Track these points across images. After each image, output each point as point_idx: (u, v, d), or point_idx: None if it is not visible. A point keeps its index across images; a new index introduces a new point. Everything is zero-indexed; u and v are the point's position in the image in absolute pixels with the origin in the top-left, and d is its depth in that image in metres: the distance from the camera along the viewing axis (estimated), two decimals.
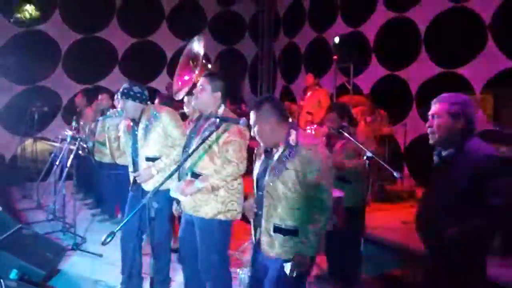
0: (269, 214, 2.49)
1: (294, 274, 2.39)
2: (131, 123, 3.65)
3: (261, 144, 2.62)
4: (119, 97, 3.59)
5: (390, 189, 6.42)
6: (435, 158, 2.56)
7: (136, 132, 3.58)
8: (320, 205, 2.40)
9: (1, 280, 3.00)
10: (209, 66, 4.28)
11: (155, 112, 3.55)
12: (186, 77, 4.06)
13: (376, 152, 3.79)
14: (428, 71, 7.03)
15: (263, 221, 2.53)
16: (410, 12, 7.31)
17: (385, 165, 3.31)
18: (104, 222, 5.57)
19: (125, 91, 3.50)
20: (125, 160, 3.99)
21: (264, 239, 2.53)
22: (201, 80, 3.07)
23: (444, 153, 2.42)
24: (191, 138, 3.12)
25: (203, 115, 3.14)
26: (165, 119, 3.51)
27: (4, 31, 7.90)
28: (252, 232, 2.67)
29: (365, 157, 3.31)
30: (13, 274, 3.47)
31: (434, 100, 2.43)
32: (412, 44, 7.23)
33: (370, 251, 4.37)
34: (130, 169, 3.70)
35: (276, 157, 2.51)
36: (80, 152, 5.42)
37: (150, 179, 3.50)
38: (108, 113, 4.09)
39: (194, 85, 3.31)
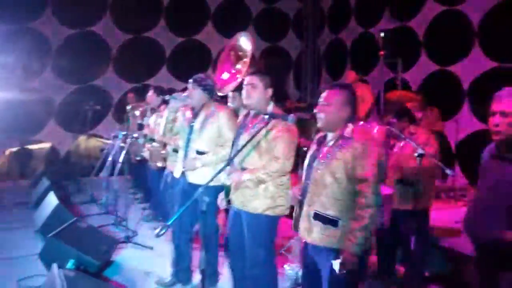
0: (312, 200, 2.49)
1: (343, 272, 2.36)
2: (190, 115, 3.76)
3: (319, 124, 2.57)
4: (190, 83, 3.70)
5: (441, 187, 6.24)
6: (486, 155, 2.45)
7: (193, 124, 3.68)
8: (365, 200, 2.36)
9: (60, 269, 3.14)
10: (256, 62, 4.30)
11: (214, 109, 3.63)
12: (226, 75, 4.10)
13: (438, 151, 3.65)
14: (481, 66, 6.76)
15: (305, 207, 2.53)
16: (462, 5, 7.05)
17: (437, 162, 3.21)
18: (152, 220, 5.71)
19: (199, 79, 3.65)
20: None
21: (303, 225, 2.54)
22: (251, 78, 3.07)
23: (505, 152, 2.30)
24: (240, 134, 3.16)
25: (252, 112, 3.16)
26: (223, 119, 3.59)
27: (58, 33, 8.25)
28: (293, 220, 2.67)
29: (416, 155, 3.21)
30: (70, 264, 3.65)
31: (500, 94, 2.29)
32: (464, 38, 6.98)
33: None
34: (180, 158, 3.79)
35: (327, 146, 2.51)
36: (138, 158, 5.67)
37: (196, 172, 3.59)
38: (174, 95, 4.23)
39: (241, 82, 3.34)
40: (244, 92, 3.09)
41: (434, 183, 3.94)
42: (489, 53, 6.68)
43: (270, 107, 3.07)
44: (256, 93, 3.04)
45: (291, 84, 10.75)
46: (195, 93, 3.65)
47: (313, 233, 2.48)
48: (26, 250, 4.43)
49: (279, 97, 9.30)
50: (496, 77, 6.53)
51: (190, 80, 3.69)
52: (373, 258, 4.03)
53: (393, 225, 3.71)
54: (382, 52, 7.42)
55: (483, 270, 2.46)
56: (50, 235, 3.90)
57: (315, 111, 2.57)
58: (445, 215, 5.33)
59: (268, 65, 9.38)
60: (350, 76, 7.48)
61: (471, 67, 6.95)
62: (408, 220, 3.64)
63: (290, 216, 3.33)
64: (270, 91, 3.07)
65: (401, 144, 3.75)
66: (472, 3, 6.91)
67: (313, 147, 2.67)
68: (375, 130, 3.84)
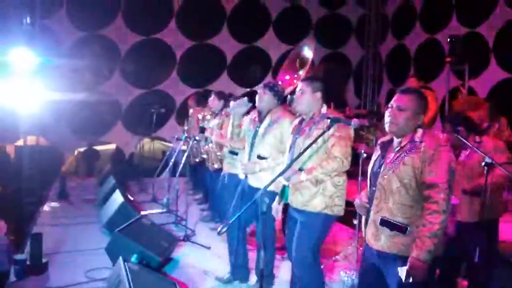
0: (379, 207, 2.44)
1: (410, 280, 2.27)
2: (256, 118, 3.87)
3: (386, 128, 2.50)
4: (261, 86, 3.83)
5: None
6: None
7: (258, 128, 3.77)
8: (436, 206, 2.27)
9: (126, 263, 3.30)
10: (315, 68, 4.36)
11: (279, 115, 3.71)
12: (287, 77, 4.17)
13: (507, 161, 3.48)
14: None
15: (371, 213, 2.49)
16: None
17: (506, 171, 3.06)
18: (210, 220, 5.84)
19: (271, 84, 3.81)
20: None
21: (370, 231, 2.48)
22: (300, 84, 3.16)
23: None
24: (295, 138, 3.18)
25: (305, 117, 3.20)
26: (285, 125, 3.63)
27: (127, 39, 8.69)
28: (363, 227, 2.63)
29: (483, 164, 3.07)
30: (134, 259, 3.81)
31: None
32: None
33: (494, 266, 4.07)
34: (243, 159, 3.89)
35: (394, 151, 2.46)
36: (196, 159, 5.85)
37: (256, 175, 3.67)
38: (235, 103, 4.38)
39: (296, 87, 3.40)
40: (294, 98, 3.18)
41: (503, 194, 3.74)
42: None
43: (324, 110, 3.13)
44: (304, 98, 3.11)
45: (351, 91, 10.62)
46: (265, 97, 3.74)
47: (380, 240, 2.42)
48: (93, 244, 4.67)
49: (338, 103, 9.30)
50: None
51: (261, 85, 3.81)
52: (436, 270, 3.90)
53: (458, 237, 3.58)
54: (448, 59, 7.17)
55: None
56: (116, 230, 4.11)
57: (386, 114, 2.52)
58: None
59: (327, 71, 9.33)
60: (411, 83, 7.28)
61: None
62: (474, 232, 3.49)
63: (347, 223, 3.31)
64: (319, 95, 3.11)
65: (466, 153, 3.61)
66: None
67: (377, 152, 2.62)
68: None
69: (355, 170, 4.99)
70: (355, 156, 4.40)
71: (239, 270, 3.98)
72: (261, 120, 3.78)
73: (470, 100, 6.64)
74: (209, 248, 4.83)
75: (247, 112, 4.32)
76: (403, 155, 2.39)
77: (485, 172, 3.08)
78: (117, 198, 5.33)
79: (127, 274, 3.12)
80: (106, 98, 8.65)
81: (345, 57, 10.52)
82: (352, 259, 4.18)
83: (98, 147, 8.86)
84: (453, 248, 3.55)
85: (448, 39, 7.23)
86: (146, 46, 8.85)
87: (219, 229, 2.31)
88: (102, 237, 4.80)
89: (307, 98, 3.11)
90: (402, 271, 2.29)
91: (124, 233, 4.09)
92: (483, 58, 7.52)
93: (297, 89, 3.18)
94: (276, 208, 3.30)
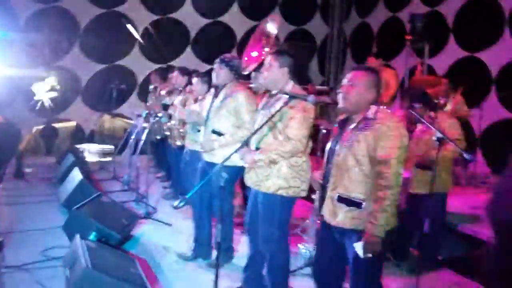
0: (335, 184, 2.49)
1: (368, 255, 2.36)
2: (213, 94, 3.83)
3: (340, 105, 2.55)
4: (217, 62, 3.77)
5: (462, 174, 6.16)
6: None
7: (213, 103, 3.74)
8: (385, 182, 2.34)
9: (83, 240, 3.26)
10: (280, 44, 4.34)
11: (234, 90, 3.67)
12: (255, 53, 4.13)
13: (459, 137, 3.61)
14: (511, 54, 6.59)
15: (328, 191, 2.54)
16: None
17: (456, 146, 3.17)
18: (172, 198, 5.81)
19: (226, 59, 3.72)
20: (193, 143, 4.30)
21: (327, 208, 2.54)
22: (268, 58, 3.09)
23: None
24: (260, 112, 3.16)
25: (271, 92, 3.17)
26: (241, 100, 3.60)
27: (86, 12, 8.37)
28: (317, 203, 2.69)
29: (434, 138, 3.16)
30: (92, 236, 3.77)
31: None
32: (494, 25, 6.80)
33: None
34: (202, 137, 3.86)
35: (350, 128, 2.50)
36: (158, 137, 5.78)
37: (213, 152, 3.66)
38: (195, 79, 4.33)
39: (262, 62, 3.36)
40: (261, 72, 3.14)
41: (453, 169, 3.89)
42: None
43: (289, 86, 3.05)
44: (271, 72, 3.05)
45: (315, 68, 10.67)
46: (221, 72, 3.70)
47: (338, 216, 2.48)
48: (50, 222, 4.57)
49: (301, 80, 9.29)
50: None
51: (217, 60, 3.74)
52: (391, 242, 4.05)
53: (410, 209, 3.71)
54: (409, 37, 7.29)
55: (502, 255, 2.43)
56: (73, 208, 4.04)
57: (338, 91, 2.56)
58: (464, 201, 5.29)
59: (292, 48, 9.31)
60: (370, 62, 7.37)
61: (500, 54, 6.78)
62: (424, 203, 3.64)
63: (307, 198, 3.35)
64: (285, 70, 3.04)
65: (421, 129, 3.73)
66: None
67: (335, 131, 2.67)
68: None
69: (316, 147, 5.07)
70: (314, 132, 4.46)
71: (201, 247, 4.00)
72: (216, 95, 3.75)
73: (428, 78, 6.81)
74: (170, 225, 4.83)
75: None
76: (357, 132, 2.43)
77: (436, 146, 3.19)
78: (76, 175, 5.22)
79: (83, 251, 3.08)
80: (65, 74, 8.36)
81: (309, 34, 10.52)
82: (310, 232, 4.26)
83: (57, 125, 8.60)
84: (405, 220, 3.68)
85: (409, 18, 7.32)
86: (107, 19, 8.56)
87: (175, 203, 2.30)
88: (60, 216, 4.71)
89: (273, 72, 3.04)
90: (358, 246, 2.38)
91: (82, 211, 4.02)
92: (442, 37, 7.69)
93: (265, 62, 3.10)
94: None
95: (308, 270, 3.80)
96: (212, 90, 3.93)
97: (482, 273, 3.45)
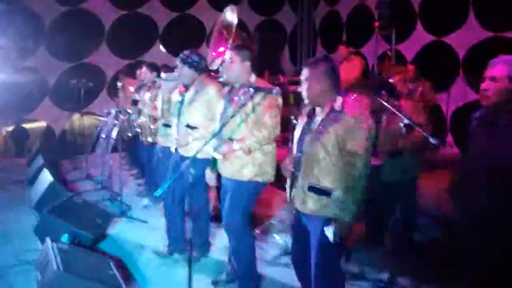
0: (306, 173, 2.55)
1: (337, 240, 2.46)
2: (183, 89, 3.80)
3: (305, 102, 2.63)
4: (178, 61, 3.74)
5: (432, 157, 6.28)
6: (475, 123, 2.46)
7: (184, 98, 3.72)
8: (356, 172, 2.44)
9: (54, 243, 3.20)
10: (244, 35, 4.30)
11: (203, 84, 3.67)
12: (221, 48, 4.11)
13: (425, 122, 3.68)
14: (476, 36, 6.72)
15: (299, 179, 2.60)
16: None
17: (422, 132, 3.22)
18: (146, 195, 5.75)
19: (184, 57, 3.67)
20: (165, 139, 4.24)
21: (298, 197, 2.61)
22: (230, 53, 3.14)
23: (494, 119, 2.31)
24: (226, 107, 3.19)
25: (236, 85, 3.20)
26: (211, 93, 3.62)
27: (50, 10, 8.15)
28: (288, 191, 2.74)
29: (401, 124, 3.22)
30: (65, 239, 3.71)
31: (493, 61, 2.32)
32: (459, 8, 6.91)
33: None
34: (174, 132, 3.85)
35: (319, 120, 2.55)
36: (129, 134, 5.70)
37: (187, 146, 3.64)
38: (164, 76, 4.27)
39: None
40: (224, 67, 3.16)
41: (422, 154, 3.97)
42: (484, 23, 6.62)
43: (253, 79, 3.13)
44: (233, 67, 3.11)
45: (286, 58, 10.68)
46: (183, 72, 3.70)
47: (308, 205, 2.56)
48: (22, 226, 4.50)
49: (273, 71, 9.31)
50: (491, 47, 6.50)
51: (177, 59, 3.71)
52: (362, 228, 4.12)
53: (383, 197, 3.76)
54: (376, 23, 7.35)
55: (468, 236, 2.50)
56: (44, 211, 3.97)
57: (299, 89, 2.64)
58: (434, 183, 5.39)
59: (262, 39, 9.31)
60: (341, 51, 7.45)
61: (465, 37, 6.91)
62: (396, 190, 3.70)
63: (278, 187, 3.39)
64: (248, 64, 3.12)
65: (387, 118, 3.78)
66: None
67: (303, 120, 2.71)
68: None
69: (285, 136, 5.10)
70: (286, 122, 4.48)
71: (176, 242, 3.99)
72: (186, 90, 3.74)
73: (395, 65, 6.88)
74: (146, 222, 4.79)
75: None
76: (327, 124, 2.49)
77: (403, 133, 3.24)
78: (46, 177, 5.11)
79: (54, 254, 3.03)
80: (32, 74, 8.14)
81: (279, 24, 10.50)
82: (285, 221, 4.29)
83: (27, 125, 8.39)
84: (379, 207, 3.75)
85: (375, 5, 7.38)
86: (73, 17, 8.34)
87: (144, 202, 2.28)
88: (31, 219, 4.59)
89: (236, 67, 3.11)
90: (328, 231, 2.47)
91: (53, 213, 3.96)
92: (409, 23, 7.78)
93: (226, 58, 3.15)
94: (209, 176, 3.32)
95: (285, 259, 3.83)
96: (180, 87, 3.90)
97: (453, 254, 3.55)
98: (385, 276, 3.50)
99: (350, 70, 7.12)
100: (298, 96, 7.60)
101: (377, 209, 3.84)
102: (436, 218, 4.47)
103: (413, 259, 3.96)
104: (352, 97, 4.42)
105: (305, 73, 2.57)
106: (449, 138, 6.98)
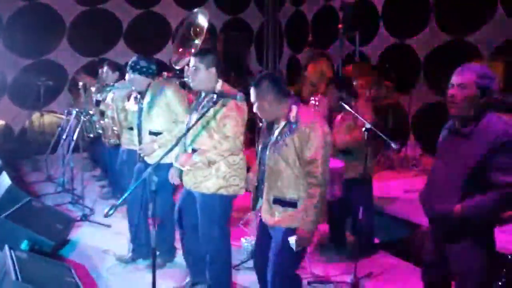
0: (270, 186, 2.60)
1: (299, 249, 2.52)
2: (138, 96, 3.71)
3: (262, 119, 2.69)
4: (128, 69, 3.65)
5: (395, 158, 6.44)
6: (445, 131, 2.51)
7: (142, 105, 3.62)
8: (315, 180, 2.47)
9: (12, 251, 3.09)
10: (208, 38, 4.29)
11: (160, 87, 3.59)
12: (181, 49, 4.07)
13: (376, 122, 3.79)
14: (437, 39, 6.91)
15: (264, 192, 2.64)
16: None
17: (383, 136, 3.32)
18: (110, 197, 5.64)
19: (133, 64, 3.57)
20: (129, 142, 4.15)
21: (264, 209, 2.65)
22: (193, 61, 3.05)
23: (460, 126, 2.36)
24: (192, 113, 3.15)
25: (202, 93, 3.16)
26: (170, 95, 3.56)
27: (8, 4, 7.85)
28: (252, 202, 2.79)
29: (363, 129, 3.32)
30: (24, 245, 3.59)
31: (459, 69, 2.34)
32: (421, 12, 7.09)
33: (375, 220, 4.42)
34: (136, 142, 3.76)
35: (276, 133, 2.59)
36: (90, 135, 5.56)
37: (153, 153, 3.56)
38: (115, 84, 4.16)
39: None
40: (189, 75, 3.10)
41: (374, 153, 4.08)
42: (444, 27, 6.82)
43: (219, 85, 3.07)
44: (198, 74, 3.03)
45: (253, 58, 10.67)
46: (134, 79, 3.61)
47: (274, 216, 2.59)
48: None
49: (240, 71, 9.25)
50: (451, 50, 6.70)
51: (127, 67, 3.63)
52: (325, 227, 4.18)
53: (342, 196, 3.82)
54: (340, 25, 7.44)
55: (435, 241, 2.56)
56: (1, 216, 3.82)
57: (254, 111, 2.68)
58: (397, 184, 5.54)
59: (229, 38, 9.24)
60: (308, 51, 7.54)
61: (427, 40, 7.09)
62: (353, 189, 3.79)
63: (247, 189, 3.39)
64: (213, 70, 3.05)
65: (342, 116, 3.90)
66: None
67: (263, 133, 2.75)
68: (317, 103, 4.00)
69: (253, 138, 5.10)
70: (253, 126, 4.48)
71: (140, 248, 3.93)
72: (143, 97, 3.65)
73: (359, 67, 7.00)
74: (109, 226, 4.69)
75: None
76: (284, 136, 2.52)
77: (365, 136, 3.33)
78: (4, 180, 4.92)
79: (13, 263, 2.92)
80: None
81: (245, 23, 10.48)
82: (252, 224, 4.30)
83: None
84: (339, 207, 3.81)
85: (340, 7, 7.47)
86: (32, 12, 8.04)
87: (105, 210, 2.23)
88: None
89: (202, 74, 3.02)
90: (291, 241, 2.51)
91: (11, 218, 3.83)
92: (373, 25, 7.91)
93: (190, 65, 3.07)
94: (172, 174, 3.28)
95: (251, 263, 3.82)
96: (134, 94, 3.82)
97: (417, 255, 3.64)
98: (349, 278, 3.56)
99: (316, 72, 7.22)
100: None
101: (338, 209, 3.91)
102: (398, 219, 4.57)
103: (375, 259, 4.05)
104: (314, 99, 4.52)
105: (252, 95, 2.61)
106: (411, 139, 7.15)
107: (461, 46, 6.57)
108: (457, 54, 6.53)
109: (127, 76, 3.69)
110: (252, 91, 2.60)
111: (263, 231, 2.77)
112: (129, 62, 3.60)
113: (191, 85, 3.13)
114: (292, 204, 2.54)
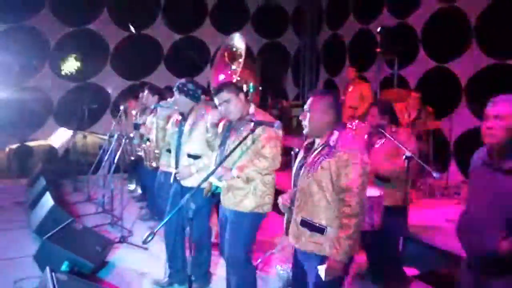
0: (300, 208, 2.54)
1: (329, 278, 2.41)
2: (180, 118, 3.79)
3: (304, 131, 2.60)
4: (175, 89, 3.74)
5: (436, 185, 6.25)
6: (478, 161, 2.42)
7: (183, 128, 3.70)
8: (350, 210, 2.39)
9: (53, 273, 3.17)
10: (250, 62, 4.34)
11: (203, 111, 3.65)
12: (222, 76, 4.14)
13: (417, 150, 3.68)
14: (478, 63, 6.75)
15: (294, 214, 2.59)
16: (459, 2, 7.02)
17: (424, 165, 3.22)
18: (149, 219, 5.73)
19: (180, 85, 3.67)
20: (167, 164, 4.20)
21: (292, 231, 2.60)
22: (221, 96, 3.13)
23: (498, 159, 2.25)
24: (225, 137, 3.20)
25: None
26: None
27: (56, 30, 8.24)
28: (285, 225, 2.72)
29: (404, 157, 3.24)
30: (64, 266, 3.68)
31: (496, 99, 2.25)
32: (462, 35, 6.96)
33: (413, 250, 4.29)
34: (172, 164, 3.82)
35: (313, 154, 2.53)
36: (132, 157, 5.69)
37: (190, 177, 3.61)
38: (161, 102, 4.25)
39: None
40: (222, 110, 3.15)
41: (410, 181, 3.93)
42: (486, 50, 6.65)
43: (252, 109, 3.15)
44: (232, 106, 3.11)
45: (290, 81, 10.73)
46: (179, 100, 3.70)
47: (301, 240, 2.53)
48: (23, 251, 4.47)
49: (277, 93, 9.36)
50: (493, 74, 6.52)
51: (174, 87, 3.72)
52: (363, 258, 4.07)
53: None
54: (379, 49, 7.39)
55: (476, 275, 2.46)
56: (44, 237, 3.94)
57: (300, 118, 2.62)
58: (436, 212, 5.36)
59: (266, 62, 9.34)
60: (350, 73, 7.51)
61: (468, 64, 6.93)
62: (391, 217, 3.65)
63: (280, 213, 3.37)
64: (242, 96, 3.14)
65: (381, 143, 3.78)
66: (469, 0, 6.88)
67: (301, 154, 2.70)
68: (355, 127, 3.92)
69: (287, 162, 5.08)
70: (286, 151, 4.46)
71: (177, 273, 3.94)
72: (185, 119, 3.73)
73: (399, 92, 6.90)
74: (146, 249, 4.74)
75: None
76: (321, 158, 2.46)
77: (406, 164, 3.25)
78: (48, 201, 5.11)
79: (54, 286, 2.99)
80: (36, 93, 8.19)
81: (282, 47, 10.58)
82: (287, 251, 4.25)
83: (31, 143, 8.39)
84: (377, 236, 3.66)
85: (378, 30, 7.43)
86: (77, 37, 8.42)
87: (144, 237, 2.26)
88: (33, 243, 4.58)
89: (234, 104, 3.11)
90: (321, 270, 2.43)
91: (53, 240, 3.94)
92: (412, 49, 7.82)
93: (219, 102, 3.14)
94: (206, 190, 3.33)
95: None
96: (176, 116, 3.90)
97: None
98: None
99: (355, 95, 7.16)
100: (299, 121, 7.65)
101: (376, 238, 3.80)
102: (439, 250, 4.40)
103: None
104: (353, 125, 4.45)
105: (310, 103, 2.56)
106: (453, 165, 6.93)
107: (504, 69, 6.38)
108: (499, 78, 6.35)
109: (174, 96, 3.76)
110: (312, 101, 2.55)
111: (296, 260, 2.70)
112: (177, 83, 3.70)
113: (230, 118, 3.17)
114: (320, 230, 2.45)
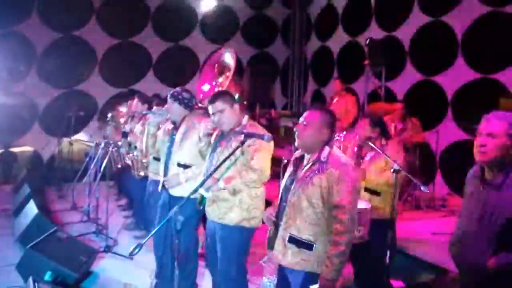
0: (288, 224, 2.50)
1: None
2: (171, 127, 3.77)
3: (296, 144, 2.59)
4: (168, 97, 3.73)
5: (422, 197, 6.30)
6: (473, 178, 2.42)
7: (174, 136, 3.68)
8: (342, 227, 2.36)
9: (36, 283, 3.11)
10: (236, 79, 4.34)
11: (195, 121, 3.64)
12: (206, 87, 4.13)
13: (405, 163, 3.70)
14: (464, 77, 6.85)
15: (281, 229, 2.54)
16: (447, 17, 7.14)
17: (412, 179, 3.23)
18: (134, 228, 5.66)
19: (175, 94, 3.66)
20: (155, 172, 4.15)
21: (278, 247, 2.55)
22: (215, 106, 3.09)
23: (489, 176, 2.27)
24: (215, 147, 3.18)
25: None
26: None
27: (43, 36, 8.17)
28: (267, 239, 2.67)
29: (392, 170, 3.25)
30: (47, 276, 3.61)
31: (489, 116, 2.25)
32: (448, 49, 7.07)
33: (399, 262, 4.29)
34: (161, 172, 3.79)
35: (304, 170, 2.51)
36: (118, 165, 5.63)
37: (178, 186, 3.58)
38: (153, 109, 4.24)
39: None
40: (215, 119, 3.12)
41: (399, 194, 3.94)
42: (472, 64, 6.77)
43: (245, 120, 3.14)
44: (225, 117, 3.09)
45: (278, 91, 10.77)
46: (173, 108, 3.68)
47: (287, 257, 2.49)
48: (5, 260, 4.37)
49: (265, 103, 9.34)
50: (479, 88, 6.63)
51: (168, 95, 3.70)
52: (349, 270, 4.06)
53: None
54: (366, 61, 7.47)
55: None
56: (28, 246, 3.87)
57: (294, 129, 2.59)
58: (423, 225, 5.39)
59: (255, 71, 9.38)
60: (336, 85, 7.55)
61: (454, 77, 7.03)
62: (378, 230, 3.65)
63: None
64: (237, 106, 3.12)
65: (371, 156, 3.79)
66: (456, 15, 7.00)
67: (290, 168, 2.68)
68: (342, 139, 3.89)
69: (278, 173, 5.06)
70: (277, 162, 4.46)
71: (163, 283, 3.88)
72: (176, 128, 3.71)
73: (383, 104, 6.97)
74: (132, 259, 4.67)
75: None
76: (312, 174, 2.44)
77: (394, 177, 3.25)
78: (32, 209, 5.02)
79: None
80: (22, 99, 8.10)
81: (271, 57, 10.64)
82: (274, 262, 4.22)
83: (15, 149, 8.27)
84: (364, 249, 3.64)
85: (366, 42, 7.51)
86: (65, 44, 8.36)
87: (130, 249, 2.22)
88: (16, 252, 4.48)
89: (228, 114, 3.09)
90: None
91: (36, 249, 3.86)
92: (399, 61, 7.91)
93: (212, 111, 3.12)
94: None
95: None
96: (167, 124, 3.88)
97: None
98: None
99: (340, 108, 7.20)
100: (288, 130, 7.67)
101: (362, 251, 3.79)
102: (422, 261, 4.43)
103: None
104: (339, 135, 4.44)
105: (307, 116, 2.54)
106: (439, 177, 7.00)
107: (489, 83, 6.49)
108: (484, 92, 6.46)
109: (167, 104, 3.74)
110: (310, 115, 2.54)
111: (281, 275, 2.66)
112: (172, 91, 3.69)
113: (223, 128, 3.15)
114: (308, 246, 2.43)
